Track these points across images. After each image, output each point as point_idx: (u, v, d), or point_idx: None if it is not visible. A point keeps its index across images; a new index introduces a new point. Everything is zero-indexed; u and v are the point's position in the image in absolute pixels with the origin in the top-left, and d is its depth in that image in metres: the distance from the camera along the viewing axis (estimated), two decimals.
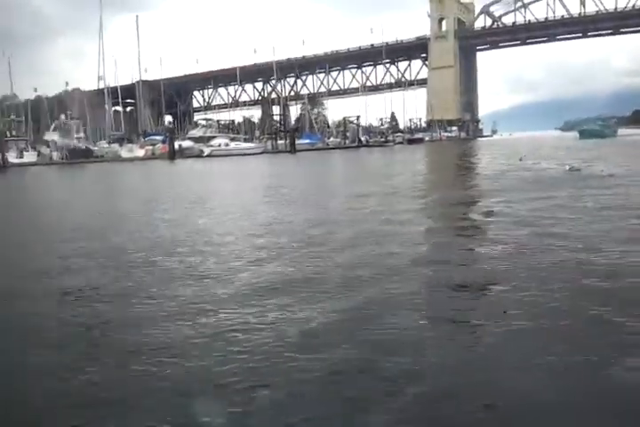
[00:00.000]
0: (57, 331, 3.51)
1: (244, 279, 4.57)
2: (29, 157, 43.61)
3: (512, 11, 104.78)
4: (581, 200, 8.95)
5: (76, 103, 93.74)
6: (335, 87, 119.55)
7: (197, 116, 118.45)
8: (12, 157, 41.79)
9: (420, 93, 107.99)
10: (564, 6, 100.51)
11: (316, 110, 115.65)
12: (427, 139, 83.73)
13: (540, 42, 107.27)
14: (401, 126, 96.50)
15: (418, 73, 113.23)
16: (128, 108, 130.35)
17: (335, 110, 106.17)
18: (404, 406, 2.32)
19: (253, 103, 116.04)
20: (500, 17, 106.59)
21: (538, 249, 5.31)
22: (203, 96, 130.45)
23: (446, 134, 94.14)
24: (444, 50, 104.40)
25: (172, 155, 44.77)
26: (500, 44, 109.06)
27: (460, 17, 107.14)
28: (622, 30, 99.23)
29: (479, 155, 37.56)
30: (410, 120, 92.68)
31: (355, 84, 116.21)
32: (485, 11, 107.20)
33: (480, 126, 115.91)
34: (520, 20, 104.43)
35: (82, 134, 46.55)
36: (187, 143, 50.62)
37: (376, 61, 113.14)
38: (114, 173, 30.84)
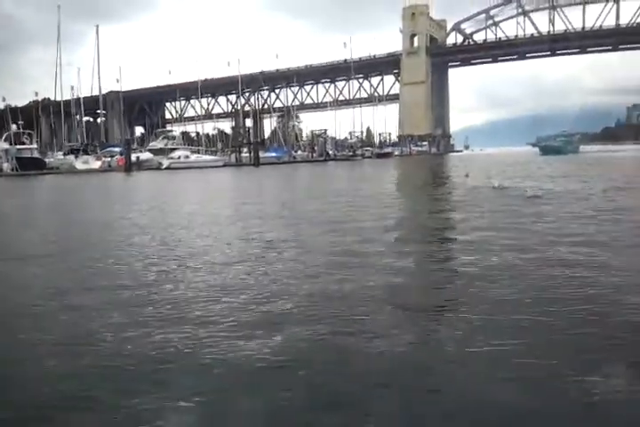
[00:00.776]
0: None
1: None
2: None
3: (483, 28, 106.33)
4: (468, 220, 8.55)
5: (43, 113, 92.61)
6: (309, 101, 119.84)
7: (169, 128, 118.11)
8: None
9: (393, 108, 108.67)
10: (534, 25, 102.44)
11: (291, 123, 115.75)
12: (396, 153, 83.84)
13: (510, 59, 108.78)
14: (382, 140, 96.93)
15: (390, 88, 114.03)
16: (99, 119, 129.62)
17: (308, 124, 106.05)
18: None
19: (226, 115, 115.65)
20: (472, 34, 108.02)
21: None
22: (175, 108, 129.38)
23: (417, 149, 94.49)
24: (415, 66, 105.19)
25: (129, 167, 43.87)
26: (472, 61, 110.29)
27: (432, 34, 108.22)
28: (589, 49, 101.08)
29: (434, 170, 37.42)
30: (379, 135, 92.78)
31: (328, 99, 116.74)
32: (457, 28, 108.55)
33: (452, 142, 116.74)
34: (491, 37, 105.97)
35: (34, 145, 45.50)
36: (145, 155, 49.75)
37: (349, 76, 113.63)
38: (56, 186, 29.87)
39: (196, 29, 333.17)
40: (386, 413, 2.38)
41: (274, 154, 61.11)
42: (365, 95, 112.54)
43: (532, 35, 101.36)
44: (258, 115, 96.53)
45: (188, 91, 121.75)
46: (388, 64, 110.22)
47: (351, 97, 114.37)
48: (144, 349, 3.14)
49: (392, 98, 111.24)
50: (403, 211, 11.76)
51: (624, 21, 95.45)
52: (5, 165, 41.52)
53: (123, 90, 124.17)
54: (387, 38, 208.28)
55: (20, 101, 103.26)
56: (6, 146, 42.12)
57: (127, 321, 3.68)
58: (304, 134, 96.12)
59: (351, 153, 68.32)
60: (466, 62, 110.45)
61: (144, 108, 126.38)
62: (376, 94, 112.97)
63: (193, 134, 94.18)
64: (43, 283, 5.08)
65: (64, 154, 47.64)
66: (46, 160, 48.89)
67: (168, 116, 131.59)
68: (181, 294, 4.45)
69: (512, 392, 2.52)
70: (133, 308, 4.00)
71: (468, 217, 9.10)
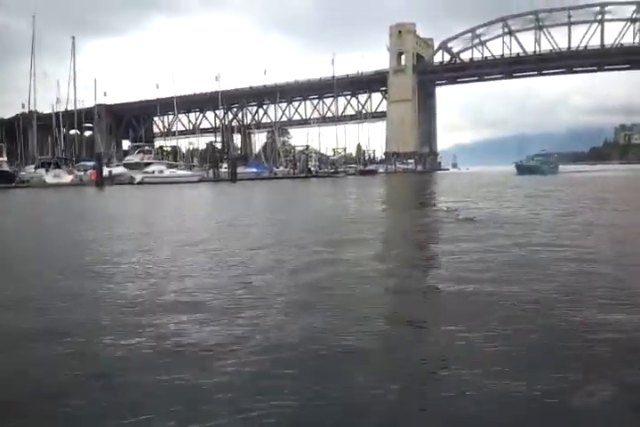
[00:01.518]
0: None
1: None
2: None
3: (470, 47, 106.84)
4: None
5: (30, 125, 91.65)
6: (297, 117, 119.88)
7: (158, 142, 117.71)
8: None
9: (380, 126, 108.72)
10: (520, 44, 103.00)
11: (281, 139, 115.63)
12: (381, 171, 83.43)
13: (496, 78, 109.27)
14: (367, 157, 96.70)
15: (378, 106, 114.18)
16: (86, 132, 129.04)
17: (296, 140, 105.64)
18: None
19: (213, 130, 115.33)
20: (459, 53, 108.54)
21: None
22: (163, 122, 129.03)
23: (402, 166, 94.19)
24: (402, 84, 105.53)
25: (101, 182, 43.09)
26: (458, 80, 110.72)
27: (419, 52, 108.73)
28: (575, 69, 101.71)
29: (408, 188, 36.97)
30: (364, 152, 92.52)
31: (316, 115, 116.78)
32: (443, 46, 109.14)
33: (439, 160, 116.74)
34: (477, 56, 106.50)
35: (4, 158, 44.67)
36: (119, 169, 49.00)
37: (337, 93, 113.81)
38: (14, 202, 29.05)
39: (187, 46, 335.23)
40: None
41: (254, 170, 60.48)
42: (353, 112, 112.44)
43: (517, 54, 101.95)
44: (244, 130, 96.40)
45: (177, 105, 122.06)
46: (375, 82, 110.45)
47: (339, 114, 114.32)
48: None
49: (379, 115, 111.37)
50: (306, 223, 11.13)
51: (609, 42, 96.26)
52: None
53: (111, 103, 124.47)
54: (374, 57, 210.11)
55: (10, 113, 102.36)
56: None
57: None
58: (294, 151, 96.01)
59: (333, 170, 67.77)
60: (452, 81, 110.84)
61: (132, 121, 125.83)
62: (364, 111, 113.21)
63: (183, 149, 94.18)
64: None
65: (35, 167, 46.83)
66: (22, 173, 48.14)
67: (156, 130, 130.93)
68: None
69: None
70: None
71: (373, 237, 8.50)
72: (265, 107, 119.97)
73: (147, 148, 57.06)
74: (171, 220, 15.28)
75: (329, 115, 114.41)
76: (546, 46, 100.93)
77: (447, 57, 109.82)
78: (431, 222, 12.31)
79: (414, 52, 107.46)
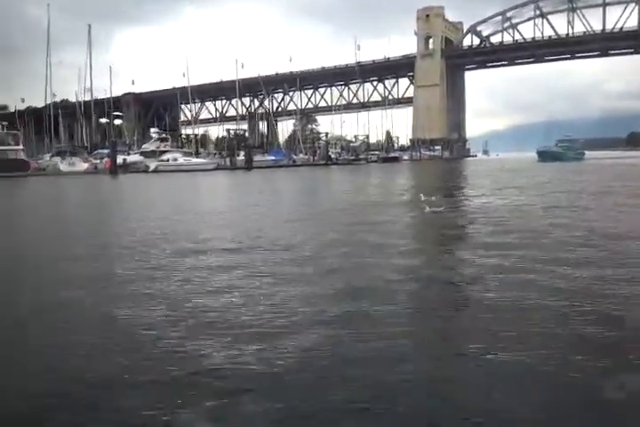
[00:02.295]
0: None
1: None
2: None
3: (500, 31, 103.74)
4: None
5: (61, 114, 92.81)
6: (323, 104, 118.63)
7: (185, 130, 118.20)
8: None
9: (406, 112, 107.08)
10: (552, 27, 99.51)
11: (309, 126, 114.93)
12: (405, 158, 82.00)
13: (527, 62, 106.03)
14: (390, 144, 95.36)
15: (405, 91, 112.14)
16: (116, 121, 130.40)
17: (322, 127, 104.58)
18: None
19: (240, 118, 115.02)
20: (488, 37, 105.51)
21: None
22: (190, 110, 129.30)
23: (428, 153, 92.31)
24: (430, 68, 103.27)
25: (115, 170, 43.18)
26: (488, 64, 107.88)
27: (447, 36, 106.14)
28: (610, 52, 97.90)
29: (416, 176, 35.98)
30: (388, 139, 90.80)
31: (342, 102, 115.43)
32: (473, 30, 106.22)
33: (467, 146, 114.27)
34: (508, 39, 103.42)
35: (20, 146, 45.01)
36: (134, 157, 49.04)
37: (364, 79, 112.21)
38: (15, 190, 29.13)
39: (214, 35, 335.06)
40: None
41: (272, 157, 59.98)
42: (379, 98, 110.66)
43: (549, 37, 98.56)
44: (269, 118, 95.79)
45: (203, 93, 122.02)
46: (402, 66, 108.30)
47: (365, 100, 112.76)
48: None
49: (406, 101, 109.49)
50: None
51: None
52: None
53: (140, 91, 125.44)
54: (402, 41, 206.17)
55: (42, 103, 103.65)
56: None
57: None
58: (322, 137, 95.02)
59: (353, 157, 66.74)
60: (482, 65, 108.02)
61: (159, 109, 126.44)
62: (390, 97, 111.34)
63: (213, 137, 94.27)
64: None
65: (51, 156, 47.20)
66: (39, 161, 48.63)
67: (183, 118, 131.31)
68: None
69: None
70: None
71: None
72: (291, 94, 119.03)
73: (163, 135, 56.94)
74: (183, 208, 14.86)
75: (355, 101, 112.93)
76: (579, 29, 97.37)
77: (477, 41, 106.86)
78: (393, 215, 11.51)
79: (443, 35, 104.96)
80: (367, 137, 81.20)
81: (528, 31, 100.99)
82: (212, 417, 2.42)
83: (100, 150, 50.45)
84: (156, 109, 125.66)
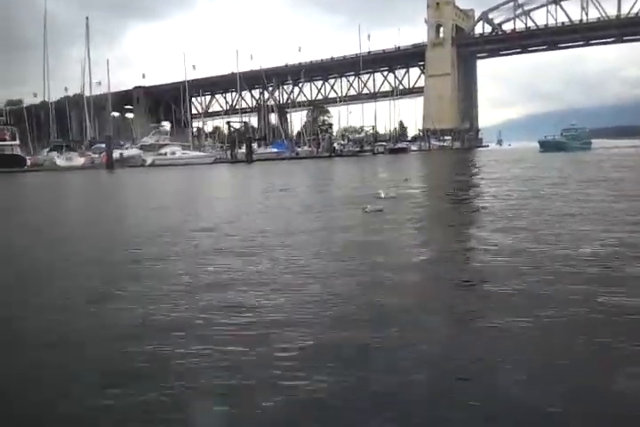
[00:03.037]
0: None
1: None
2: None
3: (512, 18, 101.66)
4: None
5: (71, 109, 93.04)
6: (332, 94, 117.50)
7: (195, 123, 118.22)
8: None
9: (416, 102, 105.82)
10: (566, 13, 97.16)
11: (321, 118, 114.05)
12: (414, 148, 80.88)
13: (541, 50, 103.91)
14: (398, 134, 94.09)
15: (416, 81, 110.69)
16: (127, 115, 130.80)
17: (334, 118, 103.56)
18: None
19: (250, 110, 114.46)
20: (500, 24, 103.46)
21: None
22: (200, 103, 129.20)
23: (438, 144, 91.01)
24: (440, 57, 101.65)
25: (111, 164, 42.94)
26: (500, 52, 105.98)
27: (458, 24, 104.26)
28: (625, 38, 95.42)
29: (411, 169, 35.15)
30: (395, 129, 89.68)
31: (353, 92, 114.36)
32: (484, 17, 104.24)
33: (480, 136, 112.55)
34: (520, 27, 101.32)
35: (16, 142, 44.94)
36: (131, 152, 48.77)
37: (374, 69, 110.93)
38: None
39: (225, 27, 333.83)
40: None
41: (275, 150, 59.40)
42: (390, 88, 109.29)
43: (562, 23, 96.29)
44: (279, 109, 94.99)
45: (213, 85, 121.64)
46: (413, 56, 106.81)
47: (375, 90, 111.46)
48: None
49: (418, 91, 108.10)
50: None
51: None
52: None
53: (150, 85, 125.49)
54: (413, 31, 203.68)
55: (54, 97, 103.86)
56: None
57: None
58: (334, 129, 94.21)
59: (358, 148, 65.85)
60: (494, 53, 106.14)
61: (169, 103, 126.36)
62: (400, 87, 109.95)
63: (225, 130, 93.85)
64: None
65: (48, 151, 47.12)
66: (38, 157, 48.60)
67: (194, 111, 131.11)
68: None
69: None
70: None
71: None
72: (300, 85, 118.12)
73: (162, 128, 56.51)
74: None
75: (365, 91, 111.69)
76: (593, 15, 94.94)
77: (488, 28, 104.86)
78: (337, 214, 10.91)
79: (453, 24, 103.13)
80: (373, 128, 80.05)
81: (541, 18, 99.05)
82: None
83: (99, 144, 50.26)
84: (167, 103, 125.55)
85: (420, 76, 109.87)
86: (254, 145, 63.86)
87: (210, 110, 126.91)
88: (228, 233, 8.15)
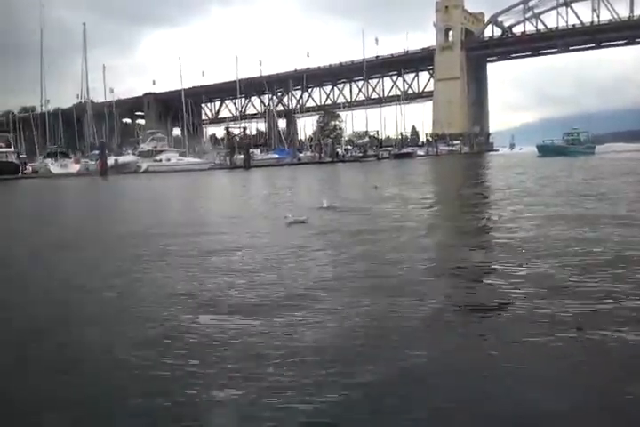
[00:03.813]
0: None
1: None
2: None
3: (522, 21, 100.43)
4: None
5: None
6: (341, 99, 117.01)
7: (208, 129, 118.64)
8: None
9: (426, 106, 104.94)
10: (577, 15, 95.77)
11: (332, 123, 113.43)
12: (421, 153, 79.87)
13: (552, 53, 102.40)
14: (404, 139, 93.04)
15: (426, 85, 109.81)
16: (139, 121, 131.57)
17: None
18: None
19: (260, 116, 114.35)
20: (510, 27, 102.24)
21: None
22: (211, 109, 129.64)
23: (446, 148, 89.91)
24: (450, 61, 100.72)
25: (105, 171, 42.71)
26: (511, 55, 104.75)
27: (467, 27, 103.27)
28: (638, 40, 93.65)
29: (404, 176, 34.34)
30: (401, 134, 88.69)
31: (362, 97, 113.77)
32: (494, 20, 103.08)
33: (491, 140, 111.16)
34: (531, 29, 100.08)
35: (10, 149, 44.80)
36: (126, 158, 48.53)
37: (383, 74, 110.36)
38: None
39: (235, 33, 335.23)
40: None
41: (276, 156, 58.90)
42: (399, 93, 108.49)
43: (573, 25, 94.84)
44: (288, 115, 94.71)
45: (222, 91, 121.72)
46: (422, 60, 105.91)
47: (384, 95, 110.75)
48: None
49: (427, 95, 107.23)
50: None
51: None
52: None
53: (161, 91, 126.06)
54: (422, 36, 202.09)
55: (67, 104, 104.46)
56: None
57: None
58: (345, 134, 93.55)
59: (361, 154, 65.12)
60: (505, 56, 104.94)
61: (180, 109, 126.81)
62: (410, 91, 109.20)
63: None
64: None
65: (43, 157, 47.05)
66: (34, 164, 48.59)
67: (204, 117, 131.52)
68: None
69: None
70: None
71: None
72: (309, 90, 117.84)
73: (159, 135, 56.20)
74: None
75: (374, 96, 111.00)
76: (605, 17, 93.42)
77: (498, 32, 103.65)
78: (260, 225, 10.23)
79: (462, 27, 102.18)
80: (377, 132, 79.24)
81: (552, 20, 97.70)
82: None
83: (95, 151, 50.09)
84: (177, 109, 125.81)
85: (429, 81, 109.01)
86: (256, 151, 63.57)
87: (220, 116, 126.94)
88: None
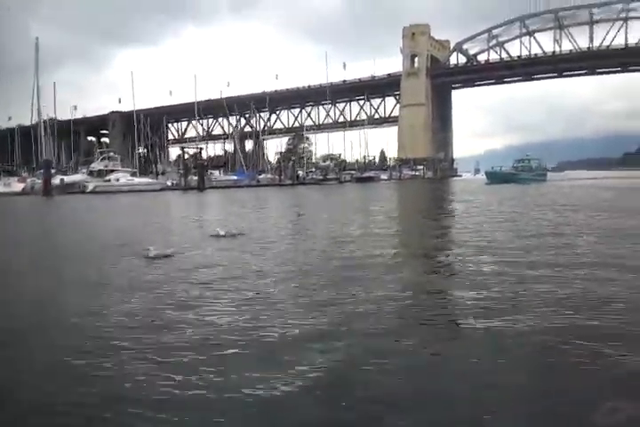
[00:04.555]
0: None
1: None
2: None
3: (487, 49, 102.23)
4: None
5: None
6: (309, 122, 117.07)
7: (172, 149, 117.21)
8: None
9: (391, 131, 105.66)
10: (539, 45, 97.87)
11: (302, 145, 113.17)
12: (384, 177, 79.75)
13: (515, 81, 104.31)
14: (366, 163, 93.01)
15: (392, 111, 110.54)
16: (103, 139, 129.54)
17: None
18: None
19: (227, 137, 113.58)
20: (475, 55, 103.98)
21: None
22: (178, 130, 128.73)
23: (410, 173, 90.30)
24: (415, 87, 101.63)
25: (49, 191, 41.22)
26: (475, 83, 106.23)
27: (434, 54, 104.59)
28: (598, 70, 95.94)
29: (354, 201, 33.79)
30: (364, 157, 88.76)
31: (329, 120, 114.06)
32: (459, 48, 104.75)
33: (455, 165, 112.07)
34: (495, 58, 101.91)
35: None
36: (73, 177, 47.09)
37: (350, 98, 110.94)
38: None
39: (207, 53, 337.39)
40: None
41: (234, 177, 58.01)
42: (365, 117, 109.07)
43: (535, 55, 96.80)
44: (235, 137, 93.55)
45: (188, 112, 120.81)
46: (389, 85, 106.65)
47: (353, 119, 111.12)
48: None
49: (393, 120, 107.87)
50: None
51: (633, 41, 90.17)
52: None
53: (125, 110, 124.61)
54: (390, 61, 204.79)
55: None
56: None
57: None
58: (313, 157, 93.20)
59: (321, 177, 64.63)
60: (469, 84, 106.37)
61: (145, 128, 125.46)
62: (377, 116, 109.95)
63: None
64: None
65: None
66: None
67: (170, 136, 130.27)
68: None
69: None
70: None
71: None
72: (277, 113, 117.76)
73: (111, 154, 54.78)
74: None
75: (341, 120, 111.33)
76: (566, 47, 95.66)
77: (463, 59, 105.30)
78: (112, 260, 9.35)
79: (428, 54, 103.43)
80: (339, 156, 79.05)
81: (515, 49, 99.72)
82: None
83: (41, 170, 48.49)
84: (142, 128, 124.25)
85: (395, 106, 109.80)
86: (216, 172, 62.59)
87: (186, 136, 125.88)
88: None
